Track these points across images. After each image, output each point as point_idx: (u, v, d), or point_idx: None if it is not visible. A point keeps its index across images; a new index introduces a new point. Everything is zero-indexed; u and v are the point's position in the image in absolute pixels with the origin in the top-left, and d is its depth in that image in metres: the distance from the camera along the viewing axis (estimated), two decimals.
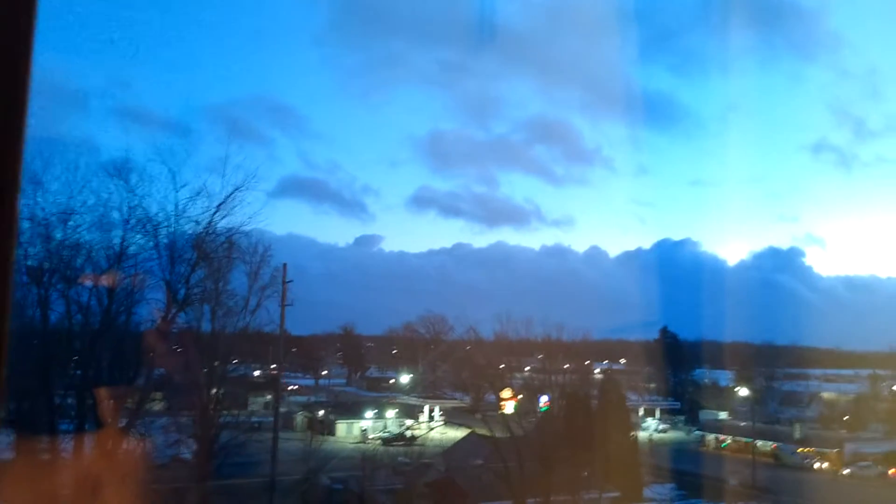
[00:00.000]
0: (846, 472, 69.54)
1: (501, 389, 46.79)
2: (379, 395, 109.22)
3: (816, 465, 71.29)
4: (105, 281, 24.31)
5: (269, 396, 75.43)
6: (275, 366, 59.51)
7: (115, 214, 25.14)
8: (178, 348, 32.40)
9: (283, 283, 42.88)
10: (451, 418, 78.23)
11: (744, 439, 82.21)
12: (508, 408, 48.51)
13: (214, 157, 56.48)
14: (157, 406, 40.81)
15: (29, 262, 23.86)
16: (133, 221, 25.09)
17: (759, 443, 79.24)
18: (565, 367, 56.41)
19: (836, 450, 74.57)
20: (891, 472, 67.35)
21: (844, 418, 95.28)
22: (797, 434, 79.18)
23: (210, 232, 27.47)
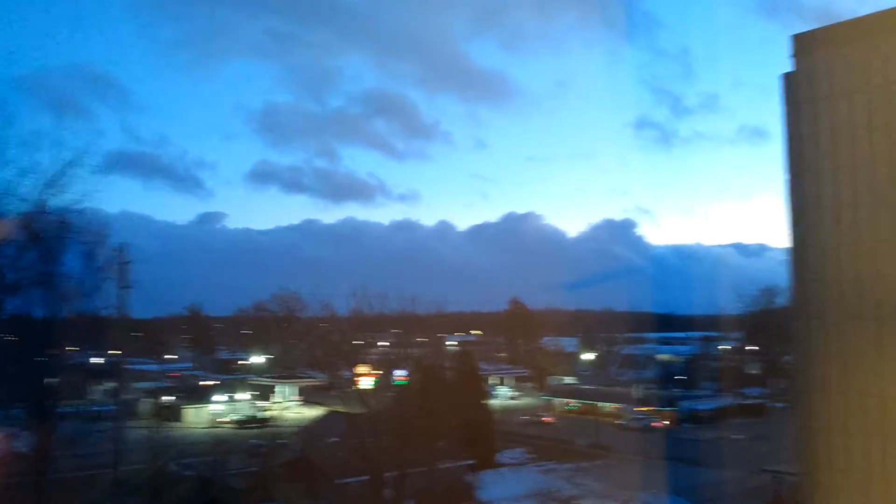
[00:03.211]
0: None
1: (358, 365, 46.70)
2: (229, 377, 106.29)
3: (654, 424, 76.05)
4: None
5: (110, 384, 71.66)
6: (116, 351, 56.50)
7: None
8: (7, 336, 29.99)
9: (122, 263, 40.66)
10: (307, 397, 77.35)
11: (588, 402, 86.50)
12: (365, 383, 48.47)
13: (31, 131, 52.41)
14: None
15: None
16: None
17: (603, 404, 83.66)
18: (420, 340, 57.06)
19: (671, 408, 79.93)
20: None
21: (679, 378, 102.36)
22: (636, 395, 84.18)
23: (39, 211, 25.44)
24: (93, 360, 74.63)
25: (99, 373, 75.47)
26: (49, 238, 29.04)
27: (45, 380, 42.66)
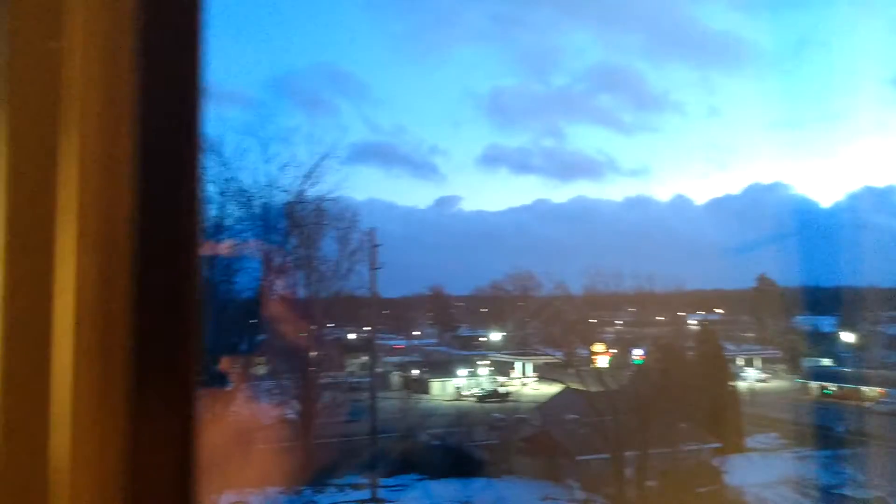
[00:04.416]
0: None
1: (593, 344, 46.56)
2: (470, 353, 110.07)
3: None
4: (206, 252, 25.21)
5: (364, 358, 77.39)
6: (368, 328, 60.99)
7: (211, 188, 26.03)
8: (277, 314, 33.55)
9: (372, 247, 43.71)
10: (543, 374, 78.39)
11: (848, 386, 79.53)
12: (601, 362, 48.24)
13: (287, 128, 58.02)
14: (262, 370, 42.40)
15: None
16: (228, 194, 25.92)
17: (865, 389, 76.48)
18: (658, 319, 55.64)
19: None
20: None
21: None
22: None
23: (300, 200, 28.11)
24: (348, 335, 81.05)
25: (354, 347, 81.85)
26: (308, 225, 31.97)
27: (309, 353, 47.20)
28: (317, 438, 46.00)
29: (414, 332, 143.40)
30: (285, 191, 27.81)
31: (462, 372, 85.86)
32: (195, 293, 1.52)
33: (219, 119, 28.62)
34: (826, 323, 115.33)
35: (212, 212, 26.47)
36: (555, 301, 46.28)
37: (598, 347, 50.29)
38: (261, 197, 27.10)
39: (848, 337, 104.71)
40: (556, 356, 45.86)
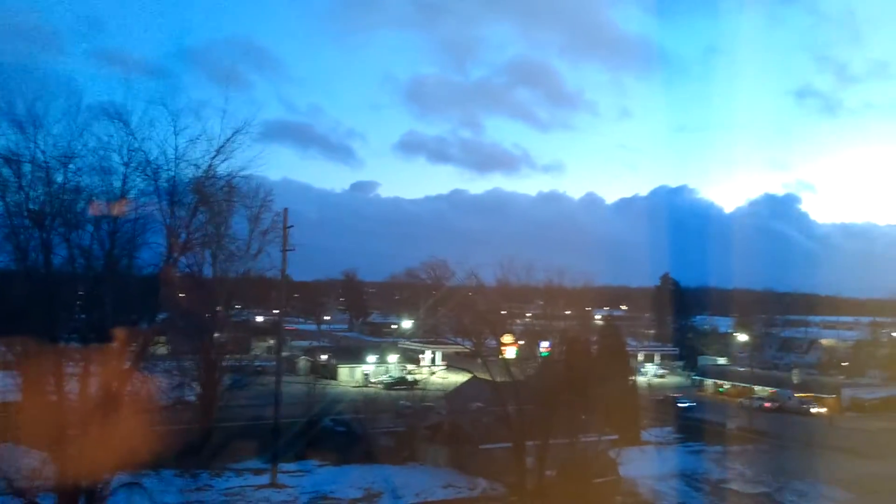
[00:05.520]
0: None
1: (502, 335, 47.02)
2: (381, 339, 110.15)
3: (814, 410, 72.17)
4: (106, 225, 24.18)
5: (271, 341, 76.22)
6: (276, 311, 59.93)
7: (115, 158, 24.81)
8: (180, 293, 32.48)
9: (285, 227, 42.77)
10: (452, 363, 78.95)
11: (741, 384, 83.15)
12: (509, 353, 48.76)
13: (199, 100, 56.09)
14: (161, 350, 41.05)
15: (31, 206, 23.70)
16: (133, 165, 24.79)
17: (758, 388, 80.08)
18: (566, 312, 56.68)
19: (833, 395, 75.42)
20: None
21: (843, 364, 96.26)
22: (795, 380, 79.99)
23: (210, 176, 27.11)
24: (256, 318, 79.45)
25: (261, 330, 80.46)
26: (218, 202, 30.99)
27: (213, 334, 46.01)
28: (217, 422, 44.93)
29: (325, 317, 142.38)
30: (195, 165, 26.80)
31: (371, 358, 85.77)
32: None
33: (126, 86, 27.25)
34: (723, 323, 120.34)
35: (115, 182, 25.32)
36: (466, 291, 46.45)
37: (507, 338, 50.88)
38: (168, 170, 26.06)
39: (743, 337, 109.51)
40: (466, 346, 46.02)
